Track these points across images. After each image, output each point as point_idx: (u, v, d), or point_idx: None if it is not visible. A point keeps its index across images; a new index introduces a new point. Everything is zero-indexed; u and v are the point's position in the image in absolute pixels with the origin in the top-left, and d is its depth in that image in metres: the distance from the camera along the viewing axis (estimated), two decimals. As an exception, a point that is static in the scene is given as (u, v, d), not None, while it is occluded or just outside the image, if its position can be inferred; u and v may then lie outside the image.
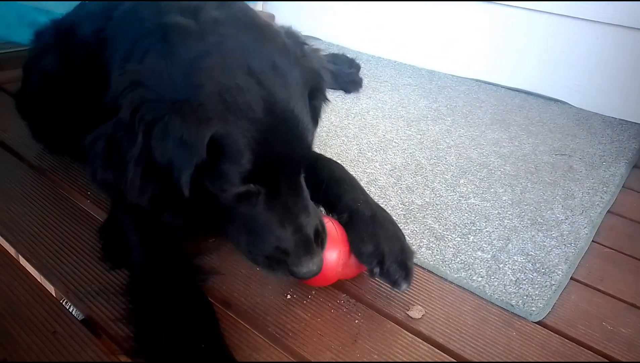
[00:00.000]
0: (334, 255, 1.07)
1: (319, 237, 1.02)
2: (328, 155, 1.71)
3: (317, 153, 1.34)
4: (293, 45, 1.03)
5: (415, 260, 1.28)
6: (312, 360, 0.99)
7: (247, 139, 0.88)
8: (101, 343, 0.99)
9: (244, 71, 0.89)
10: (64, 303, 1.09)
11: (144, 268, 1.08)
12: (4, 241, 1.26)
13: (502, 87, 2.56)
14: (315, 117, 1.10)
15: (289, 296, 1.14)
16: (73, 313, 1.07)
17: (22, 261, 1.21)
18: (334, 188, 1.22)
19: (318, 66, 1.07)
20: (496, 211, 1.53)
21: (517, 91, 2.53)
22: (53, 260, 1.20)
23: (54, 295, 1.12)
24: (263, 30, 1.00)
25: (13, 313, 1.05)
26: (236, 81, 0.88)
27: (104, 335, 1.02)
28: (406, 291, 1.17)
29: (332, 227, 1.09)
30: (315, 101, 1.09)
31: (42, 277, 1.17)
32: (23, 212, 1.36)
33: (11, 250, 1.24)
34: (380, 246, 1.10)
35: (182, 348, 0.91)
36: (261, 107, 0.88)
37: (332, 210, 1.20)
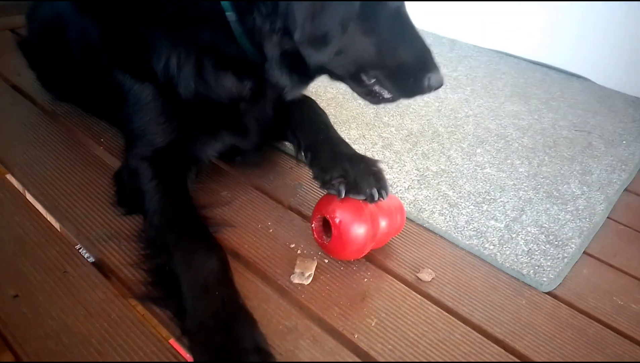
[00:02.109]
0: (362, 230, 1.05)
1: None
2: (344, 118, 1.71)
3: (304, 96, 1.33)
4: None
5: (427, 225, 1.28)
6: (320, 314, 0.99)
7: None
8: (111, 285, 1.00)
9: None
10: (75, 246, 1.09)
11: (159, 214, 1.07)
12: (18, 183, 1.26)
13: (524, 60, 2.50)
14: None
15: (299, 251, 1.13)
16: (84, 255, 1.08)
17: (35, 202, 1.21)
18: (301, 129, 1.26)
19: None
20: (512, 182, 1.51)
21: (539, 64, 2.47)
22: (65, 203, 1.20)
23: (66, 237, 1.12)
24: None
25: (25, 253, 1.05)
26: None
27: (114, 278, 1.03)
28: (417, 257, 1.16)
29: (359, 203, 1.07)
30: None
31: (54, 219, 1.17)
32: (36, 155, 1.35)
33: (25, 192, 1.24)
34: (341, 165, 1.09)
35: (196, 295, 0.91)
36: None
37: (298, 150, 1.26)
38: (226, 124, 1.20)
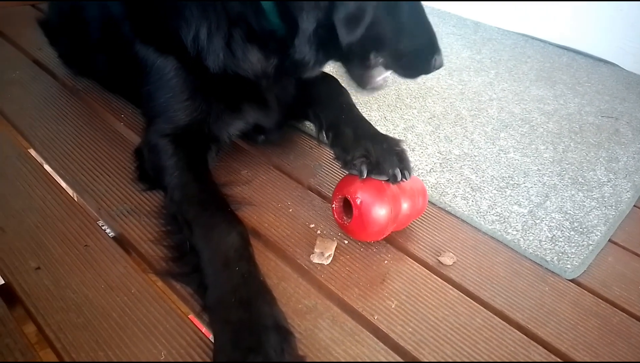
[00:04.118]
0: (384, 211, 1.03)
1: None
2: (365, 99, 1.68)
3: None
4: None
5: (449, 209, 1.26)
6: (340, 294, 0.99)
7: None
8: (132, 260, 1.00)
9: None
10: (96, 222, 1.10)
11: (180, 189, 1.07)
12: (40, 157, 1.27)
13: (550, 44, 2.44)
14: None
15: (319, 231, 1.12)
16: (105, 230, 1.08)
17: (56, 177, 1.22)
18: (322, 107, 1.25)
19: None
20: (536, 168, 1.48)
21: (565, 48, 2.40)
22: (86, 178, 1.20)
23: (86, 211, 1.12)
24: None
25: (47, 226, 1.06)
26: None
27: (134, 253, 1.03)
28: (438, 240, 1.15)
29: (381, 184, 1.05)
30: None
31: (75, 194, 1.18)
32: (57, 130, 1.36)
33: (46, 167, 1.25)
34: (363, 145, 1.08)
35: (216, 270, 0.90)
36: None
37: (320, 130, 1.25)
38: (249, 101, 1.19)
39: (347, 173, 1.10)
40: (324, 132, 1.22)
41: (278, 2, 1.02)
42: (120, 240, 1.06)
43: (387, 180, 1.05)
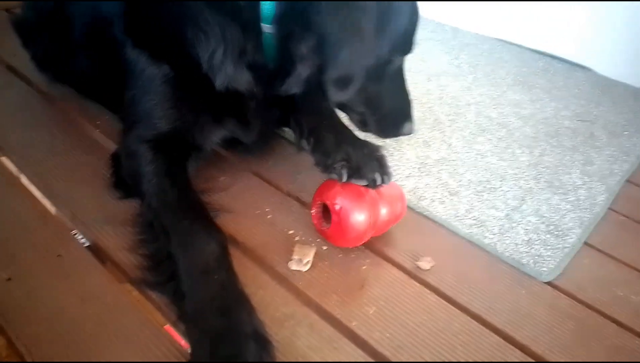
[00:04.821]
0: (363, 217, 1.03)
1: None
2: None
3: None
4: None
5: (427, 213, 1.27)
6: (318, 301, 0.98)
7: None
8: (106, 270, 0.99)
9: None
10: (70, 231, 1.08)
11: (158, 196, 1.05)
12: (12, 165, 1.24)
13: (527, 49, 2.47)
14: None
15: (297, 238, 1.12)
16: (79, 239, 1.06)
17: (29, 186, 1.19)
18: (304, 113, 1.27)
19: None
20: (513, 171, 1.49)
21: (541, 53, 2.44)
22: (61, 186, 1.18)
23: (60, 221, 1.10)
24: None
25: (18, 237, 1.04)
26: None
27: (109, 263, 1.02)
28: (416, 245, 1.15)
29: (360, 190, 1.05)
30: None
31: (49, 203, 1.15)
32: (31, 137, 1.33)
33: (19, 175, 1.22)
34: (344, 149, 1.10)
35: (194, 278, 0.89)
36: None
37: (301, 137, 1.25)
38: (236, 115, 1.18)
39: (326, 178, 1.10)
40: (304, 139, 1.22)
41: (281, 44, 1.03)
42: (94, 249, 1.04)
43: (367, 185, 1.05)
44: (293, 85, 1.07)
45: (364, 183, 1.05)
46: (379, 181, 1.05)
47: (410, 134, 1.23)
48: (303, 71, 1.03)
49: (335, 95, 1.06)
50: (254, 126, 1.23)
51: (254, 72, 1.09)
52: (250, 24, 1.03)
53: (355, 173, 1.05)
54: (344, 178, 1.04)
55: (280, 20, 1.00)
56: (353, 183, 1.05)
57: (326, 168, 1.09)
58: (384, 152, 1.12)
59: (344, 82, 1.03)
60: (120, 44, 1.15)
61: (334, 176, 1.06)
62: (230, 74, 1.07)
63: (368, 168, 1.06)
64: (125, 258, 1.01)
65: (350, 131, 1.20)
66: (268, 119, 1.26)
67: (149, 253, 0.99)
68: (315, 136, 1.18)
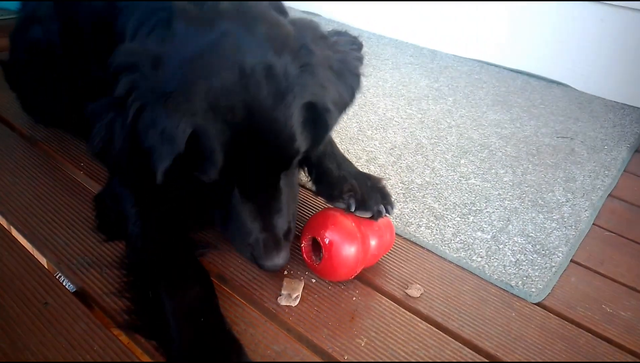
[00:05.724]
0: (353, 250, 1.04)
1: (287, 236, 1.01)
2: (327, 132, 1.69)
3: None
4: (311, 49, 0.94)
5: (414, 239, 1.27)
6: (309, 336, 0.98)
7: (222, 140, 0.86)
8: (94, 315, 0.97)
9: (234, 73, 0.85)
10: (55, 275, 1.07)
11: (142, 239, 1.05)
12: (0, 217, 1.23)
13: (504, 68, 2.53)
14: (311, 127, 0.98)
15: (285, 272, 1.12)
16: (65, 285, 1.05)
17: (14, 232, 1.18)
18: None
19: (324, 80, 0.95)
20: (497, 192, 1.51)
21: (519, 72, 2.50)
22: (45, 231, 1.17)
23: (46, 266, 1.09)
24: (271, 29, 0.92)
25: (3, 284, 1.02)
26: (224, 82, 0.85)
27: (96, 308, 1.00)
28: (405, 272, 1.16)
29: (350, 223, 1.06)
30: (314, 113, 0.96)
31: (33, 248, 1.14)
32: (14, 182, 1.33)
33: (2, 221, 1.21)
34: (350, 182, 1.12)
35: (181, 323, 0.89)
36: (241, 112, 0.85)
37: (302, 167, 1.24)
38: None
39: (315, 212, 1.11)
40: (306, 169, 1.23)
41: None
42: (81, 294, 1.03)
43: (371, 217, 1.08)
44: None
45: (369, 214, 1.08)
46: (383, 213, 1.09)
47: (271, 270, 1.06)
48: None
49: None
50: None
51: None
52: None
53: (361, 205, 1.08)
54: (352, 208, 1.07)
55: None
56: (354, 215, 1.08)
57: (333, 198, 1.12)
58: (385, 183, 1.18)
59: None
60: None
61: (342, 205, 1.09)
62: None
63: (373, 200, 1.09)
64: (113, 302, 1.00)
65: (351, 164, 1.23)
66: None
67: (136, 297, 0.99)
68: (317, 167, 1.20)
